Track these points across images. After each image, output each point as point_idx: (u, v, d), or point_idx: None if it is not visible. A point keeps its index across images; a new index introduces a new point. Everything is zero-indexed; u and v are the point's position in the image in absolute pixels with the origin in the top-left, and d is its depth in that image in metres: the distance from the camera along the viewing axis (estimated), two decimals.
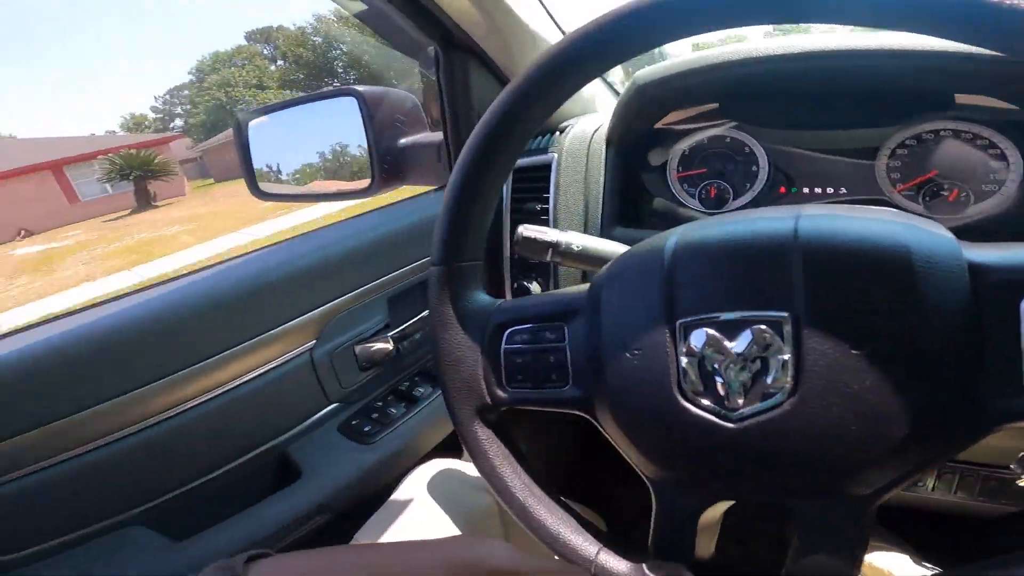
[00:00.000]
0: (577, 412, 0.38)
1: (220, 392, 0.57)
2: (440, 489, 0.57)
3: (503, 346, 0.39)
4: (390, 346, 0.65)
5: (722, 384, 0.31)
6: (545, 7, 0.72)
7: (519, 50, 0.71)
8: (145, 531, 0.55)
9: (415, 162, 0.83)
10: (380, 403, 0.68)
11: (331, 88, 0.91)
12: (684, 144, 0.66)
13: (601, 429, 0.37)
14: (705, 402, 0.31)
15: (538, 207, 0.69)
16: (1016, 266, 0.28)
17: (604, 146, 0.67)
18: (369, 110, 0.77)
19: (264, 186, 0.89)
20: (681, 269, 0.33)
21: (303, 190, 0.98)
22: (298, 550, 0.29)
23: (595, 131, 0.68)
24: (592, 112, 0.79)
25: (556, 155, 0.68)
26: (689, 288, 0.32)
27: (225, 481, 0.60)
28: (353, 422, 0.65)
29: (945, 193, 0.54)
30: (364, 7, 0.66)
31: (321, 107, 0.95)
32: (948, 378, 0.27)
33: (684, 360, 0.31)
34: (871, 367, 0.27)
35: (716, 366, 0.31)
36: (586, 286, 0.39)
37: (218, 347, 0.56)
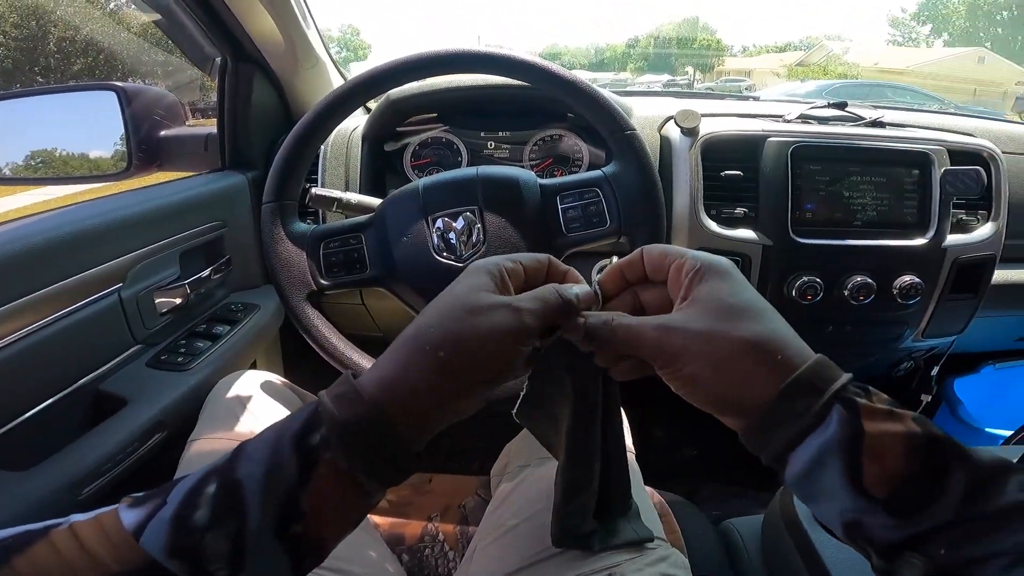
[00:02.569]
0: (378, 287, 0.64)
1: (26, 333, 0.59)
2: (252, 390, 0.69)
3: (322, 251, 0.62)
4: (188, 291, 0.76)
5: (454, 244, 0.61)
6: (324, 41, 0.97)
7: (306, 70, 0.93)
8: None
9: (176, 151, 0.95)
10: (184, 341, 0.77)
11: (88, 82, 0.94)
12: (415, 140, 0.97)
13: (395, 295, 0.64)
14: (447, 255, 0.61)
15: (311, 177, 0.92)
16: (556, 184, 0.65)
17: (360, 140, 0.93)
18: (129, 103, 0.87)
19: None
20: (426, 192, 0.62)
21: (41, 174, 0.97)
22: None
23: (352, 131, 0.94)
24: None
25: (323, 147, 0.91)
26: (432, 200, 0.62)
27: (47, 417, 0.62)
28: (162, 357, 0.73)
29: (556, 172, 0.97)
30: (159, 17, 0.78)
31: (72, 99, 0.97)
32: (537, 230, 0.63)
33: (434, 236, 0.61)
34: (510, 225, 0.62)
35: (450, 236, 0.61)
36: (371, 214, 0.65)
37: (19, 293, 0.58)
